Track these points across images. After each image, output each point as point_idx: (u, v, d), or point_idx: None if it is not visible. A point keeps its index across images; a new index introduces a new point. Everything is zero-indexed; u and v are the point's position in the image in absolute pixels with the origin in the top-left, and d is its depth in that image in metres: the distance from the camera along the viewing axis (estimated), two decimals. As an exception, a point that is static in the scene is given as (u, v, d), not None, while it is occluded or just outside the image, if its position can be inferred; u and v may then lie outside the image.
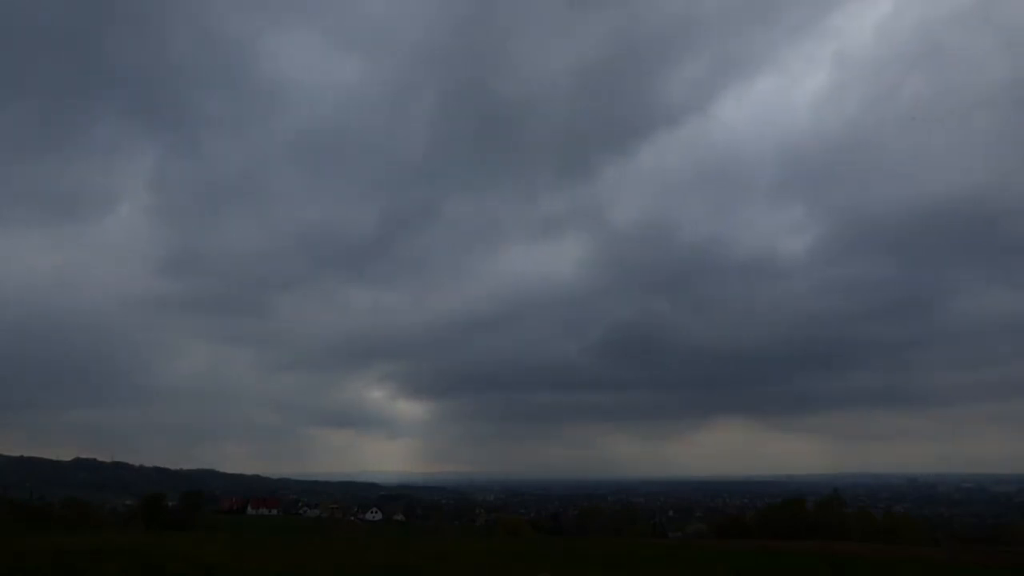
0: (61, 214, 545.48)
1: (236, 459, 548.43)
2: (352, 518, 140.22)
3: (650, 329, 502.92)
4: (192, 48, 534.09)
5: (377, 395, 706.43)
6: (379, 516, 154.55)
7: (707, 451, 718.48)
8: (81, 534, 50.95)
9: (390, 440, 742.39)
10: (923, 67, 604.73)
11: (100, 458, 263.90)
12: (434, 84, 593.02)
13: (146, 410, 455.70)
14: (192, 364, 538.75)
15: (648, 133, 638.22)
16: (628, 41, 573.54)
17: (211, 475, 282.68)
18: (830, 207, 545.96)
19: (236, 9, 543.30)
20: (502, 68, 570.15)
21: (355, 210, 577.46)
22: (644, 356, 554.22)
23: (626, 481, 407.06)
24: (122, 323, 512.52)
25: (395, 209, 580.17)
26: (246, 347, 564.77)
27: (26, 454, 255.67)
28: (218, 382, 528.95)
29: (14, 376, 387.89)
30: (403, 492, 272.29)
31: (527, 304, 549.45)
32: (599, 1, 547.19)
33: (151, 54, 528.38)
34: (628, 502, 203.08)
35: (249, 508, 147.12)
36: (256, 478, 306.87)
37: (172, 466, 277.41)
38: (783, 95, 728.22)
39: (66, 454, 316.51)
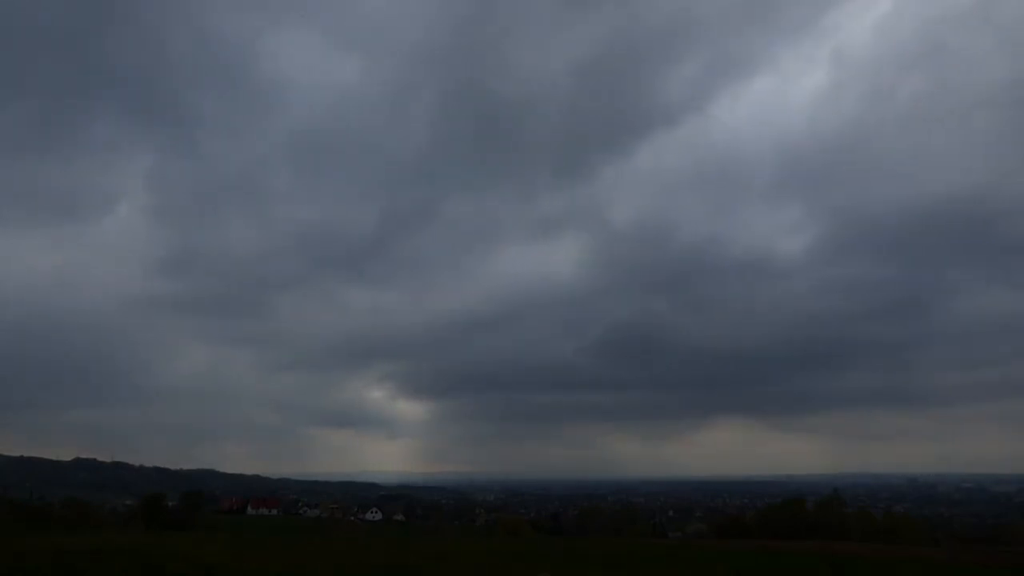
0: (61, 214, 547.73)
1: (236, 459, 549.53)
2: (352, 518, 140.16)
3: (649, 329, 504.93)
4: (191, 48, 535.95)
5: (377, 395, 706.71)
6: (379, 516, 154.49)
7: (707, 451, 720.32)
8: (81, 534, 50.91)
9: (390, 440, 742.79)
10: (923, 67, 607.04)
11: (100, 458, 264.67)
12: (433, 84, 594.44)
13: (146, 410, 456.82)
14: (192, 364, 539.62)
15: (647, 133, 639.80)
16: (626, 41, 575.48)
17: (211, 475, 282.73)
18: (829, 207, 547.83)
19: (235, 9, 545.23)
20: (501, 68, 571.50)
21: (354, 210, 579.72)
22: (644, 356, 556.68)
23: (626, 481, 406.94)
24: (122, 323, 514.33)
25: (394, 209, 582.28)
26: (246, 347, 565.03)
27: (26, 454, 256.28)
28: (218, 382, 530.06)
29: (14, 376, 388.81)
30: (403, 492, 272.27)
31: (526, 304, 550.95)
32: (597, 1, 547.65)
33: (150, 54, 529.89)
34: (628, 502, 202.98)
35: (249, 508, 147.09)
36: (256, 478, 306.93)
37: (172, 466, 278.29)
38: (782, 95, 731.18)
39: (66, 454, 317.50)
